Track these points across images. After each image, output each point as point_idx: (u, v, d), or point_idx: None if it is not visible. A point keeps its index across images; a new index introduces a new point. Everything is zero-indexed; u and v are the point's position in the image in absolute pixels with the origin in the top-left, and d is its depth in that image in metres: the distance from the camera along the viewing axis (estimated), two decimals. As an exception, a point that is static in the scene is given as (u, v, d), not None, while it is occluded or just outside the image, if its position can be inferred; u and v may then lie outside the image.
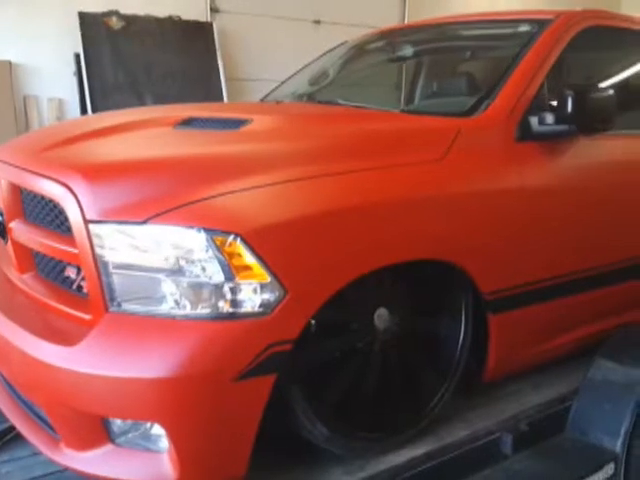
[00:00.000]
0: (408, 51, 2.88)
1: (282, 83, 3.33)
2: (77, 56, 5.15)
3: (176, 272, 1.58)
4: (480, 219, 2.01)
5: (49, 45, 5.18)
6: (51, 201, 1.77)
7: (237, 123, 1.98)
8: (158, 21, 5.51)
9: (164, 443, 1.60)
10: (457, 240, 1.95)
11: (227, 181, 1.65)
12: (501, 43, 2.64)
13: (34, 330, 1.73)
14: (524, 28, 2.51)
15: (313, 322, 1.72)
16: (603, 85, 2.26)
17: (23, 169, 1.88)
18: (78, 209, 1.62)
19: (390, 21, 6.93)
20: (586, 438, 2.30)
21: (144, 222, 1.58)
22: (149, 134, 1.98)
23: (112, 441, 1.64)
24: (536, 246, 2.17)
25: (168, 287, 1.58)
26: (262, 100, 3.19)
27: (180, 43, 5.61)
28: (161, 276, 1.58)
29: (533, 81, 2.24)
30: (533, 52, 2.31)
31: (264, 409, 1.61)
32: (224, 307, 1.57)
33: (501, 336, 2.16)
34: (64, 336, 1.66)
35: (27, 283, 1.96)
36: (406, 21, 7.30)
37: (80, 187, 1.64)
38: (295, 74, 3.32)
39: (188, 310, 1.57)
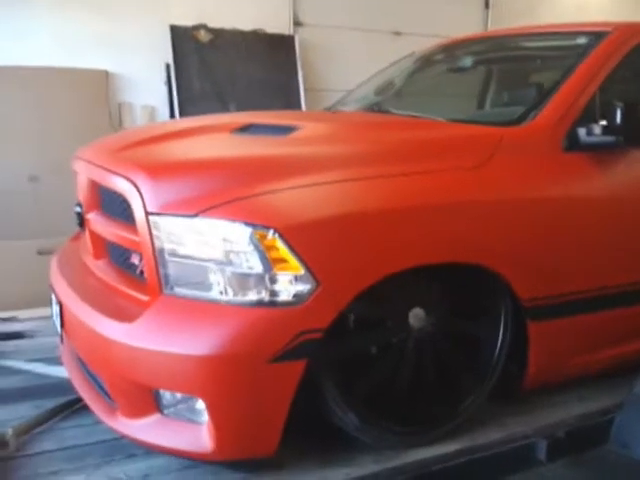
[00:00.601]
0: (467, 62, 2.95)
1: (349, 93, 3.47)
2: (167, 66, 5.51)
3: (222, 262, 1.74)
4: (520, 226, 2.05)
5: (142, 56, 5.55)
6: (120, 195, 1.99)
7: (288, 129, 2.14)
8: (243, 34, 5.80)
9: (205, 416, 1.76)
10: (493, 246, 2.00)
11: (271, 181, 1.81)
12: (557, 54, 2.66)
13: (102, 310, 1.94)
14: (581, 40, 2.53)
15: (351, 315, 1.84)
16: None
17: (100, 167, 2.12)
18: (141, 202, 1.82)
19: (472, 31, 6.91)
20: (628, 452, 2.27)
21: (195, 215, 1.75)
22: (208, 139, 2.18)
23: (161, 411, 1.82)
24: (580, 257, 2.18)
25: (214, 275, 1.75)
26: (327, 109, 3.34)
27: (263, 55, 5.87)
28: (209, 265, 1.76)
29: (584, 93, 2.26)
30: (585, 64, 2.33)
31: (295, 392, 1.75)
32: (262, 295, 1.72)
33: (541, 343, 2.18)
34: (125, 315, 1.86)
35: (100, 268, 2.19)
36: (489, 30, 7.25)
37: (143, 183, 1.84)
38: (361, 84, 3.45)
39: (231, 296, 1.73)
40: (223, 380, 1.71)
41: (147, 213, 1.81)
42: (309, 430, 2.00)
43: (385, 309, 1.96)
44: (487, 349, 2.15)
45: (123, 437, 1.94)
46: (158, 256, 1.80)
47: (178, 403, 1.82)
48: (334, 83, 6.28)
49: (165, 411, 1.83)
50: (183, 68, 5.50)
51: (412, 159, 2.01)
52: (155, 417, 1.83)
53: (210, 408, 1.73)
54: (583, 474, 2.16)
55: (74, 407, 2.27)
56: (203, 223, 1.74)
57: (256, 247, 1.70)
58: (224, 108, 5.50)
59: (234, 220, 1.72)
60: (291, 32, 6.19)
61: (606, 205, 2.22)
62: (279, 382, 1.73)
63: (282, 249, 1.70)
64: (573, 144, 2.20)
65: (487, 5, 7.49)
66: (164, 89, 5.61)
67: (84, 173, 2.29)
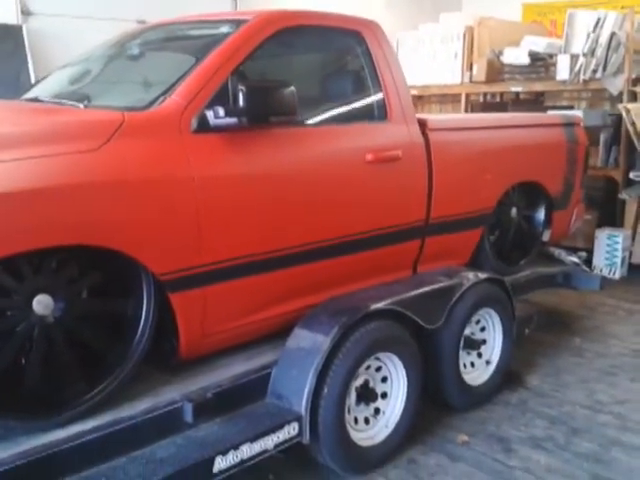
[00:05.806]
0: (135, 50, 3.00)
1: (38, 81, 3.38)
2: None
3: None
4: (145, 206, 2.14)
5: None
6: None
7: None
8: (-45, 24, 5.37)
9: None
10: (115, 227, 2.07)
11: None
12: (203, 42, 2.79)
13: None
14: (224, 29, 2.69)
15: None
16: (288, 80, 2.46)
17: None
18: None
19: (218, 22, 7.01)
20: (280, 403, 2.52)
21: None
22: None
23: None
24: (217, 228, 2.34)
25: None
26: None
27: (-15, 45, 5.48)
28: None
29: (214, 78, 2.41)
30: (218, 51, 2.50)
31: None
32: None
33: (188, 313, 2.32)
34: None
35: None
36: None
37: None
38: (53, 71, 3.37)
39: None
40: None
41: None
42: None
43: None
44: (133, 325, 2.23)
45: None
46: None
47: None
48: (71, 74, 6.05)
49: None
50: None
51: (26, 144, 2.00)
52: None
53: None
54: (230, 429, 2.34)
55: None
56: None
57: None
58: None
59: None
60: (19, 22, 5.85)
61: (239, 181, 2.40)
62: None
63: None
64: (203, 126, 2.35)
65: (235, -5, 7.66)
66: None
67: None
